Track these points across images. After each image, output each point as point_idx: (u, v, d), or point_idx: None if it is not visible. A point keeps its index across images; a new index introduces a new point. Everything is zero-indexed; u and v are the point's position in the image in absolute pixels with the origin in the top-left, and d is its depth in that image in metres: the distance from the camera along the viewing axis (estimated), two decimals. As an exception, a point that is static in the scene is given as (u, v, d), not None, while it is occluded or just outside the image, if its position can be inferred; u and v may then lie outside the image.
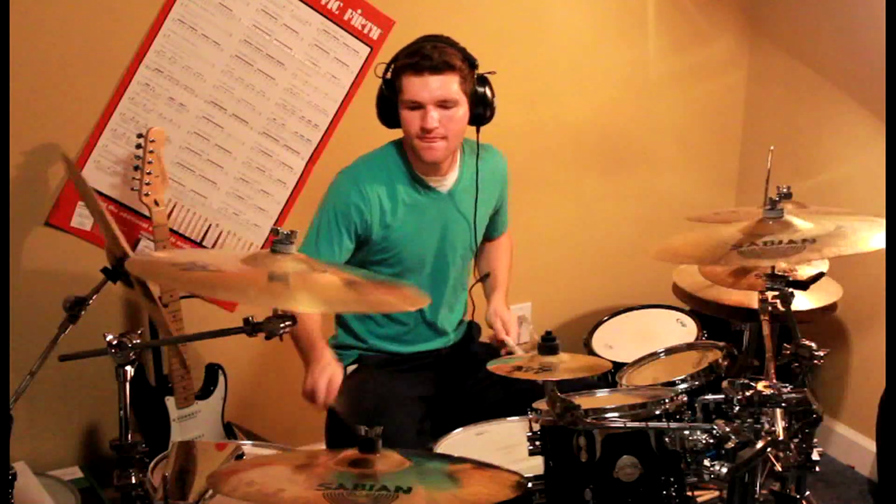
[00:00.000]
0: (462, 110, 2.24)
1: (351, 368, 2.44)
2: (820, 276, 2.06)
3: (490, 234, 2.60)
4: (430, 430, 2.27)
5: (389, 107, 2.27)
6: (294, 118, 2.82)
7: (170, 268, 1.61)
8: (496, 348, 2.51)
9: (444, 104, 2.21)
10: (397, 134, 2.34)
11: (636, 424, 1.69)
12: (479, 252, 2.61)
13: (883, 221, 1.88)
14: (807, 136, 3.28)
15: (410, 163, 2.33)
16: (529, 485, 1.69)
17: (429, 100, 2.19)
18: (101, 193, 2.59)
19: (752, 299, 2.48)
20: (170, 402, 2.58)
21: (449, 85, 2.20)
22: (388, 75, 2.27)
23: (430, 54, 2.18)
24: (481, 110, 2.30)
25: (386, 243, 2.33)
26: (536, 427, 1.78)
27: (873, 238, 1.81)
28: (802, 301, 2.54)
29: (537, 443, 1.77)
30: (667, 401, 1.77)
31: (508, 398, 2.24)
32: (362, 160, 2.36)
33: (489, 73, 2.29)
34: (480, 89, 2.28)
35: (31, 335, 2.42)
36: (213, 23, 2.65)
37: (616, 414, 1.72)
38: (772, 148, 2.02)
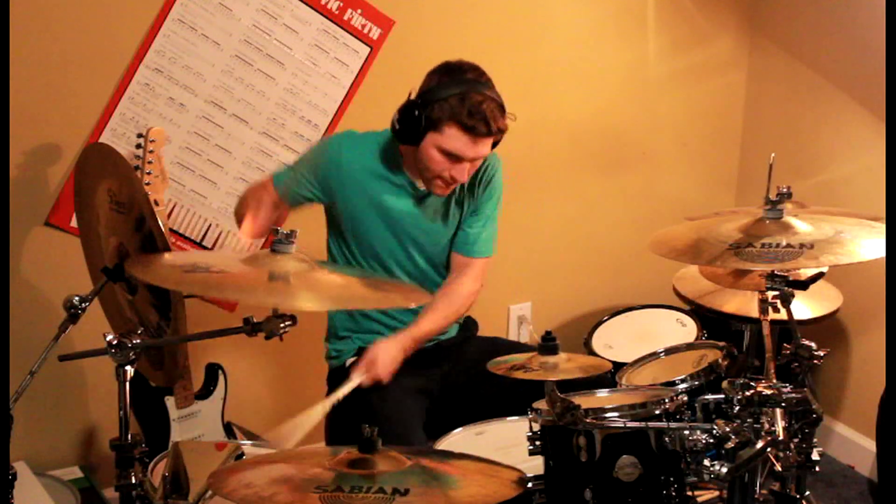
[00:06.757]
0: None
1: (351, 361, 2.44)
2: (820, 275, 2.06)
3: (460, 248, 2.44)
4: (430, 429, 2.27)
5: (416, 128, 2.20)
6: (294, 118, 2.82)
7: (171, 269, 1.61)
8: (494, 344, 2.50)
9: (476, 159, 2.24)
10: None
11: (636, 424, 1.69)
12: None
13: (882, 227, 1.88)
14: (807, 136, 3.28)
15: (400, 155, 2.33)
16: (529, 484, 1.69)
17: (471, 158, 2.21)
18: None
19: (751, 308, 2.48)
20: (170, 402, 2.58)
21: (489, 144, 2.23)
22: (429, 106, 2.18)
23: (489, 121, 2.16)
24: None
25: (359, 226, 2.34)
26: (536, 427, 1.78)
27: (872, 247, 1.83)
28: (804, 310, 2.54)
29: (537, 443, 1.77)
30: (667, 401, 1.77)
31: (509, 394, 2.24)
32: (363, 135, 2.36)
33: (510, 116, 2.25)
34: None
35: (31, 335, 2.42)
36: (213, 23, 2.65)
37: (616, 414, 1.72)
38: (773, 155, 2.03)
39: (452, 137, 2.17)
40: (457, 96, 2.16)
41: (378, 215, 2.34)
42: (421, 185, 2.34)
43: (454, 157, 2.20)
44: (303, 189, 2.33)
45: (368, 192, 2.32)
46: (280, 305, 1.60)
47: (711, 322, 2.96)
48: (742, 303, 2.54)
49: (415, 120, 2.19)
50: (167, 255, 1.74)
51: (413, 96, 2.23)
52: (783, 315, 1.99)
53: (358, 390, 2.32)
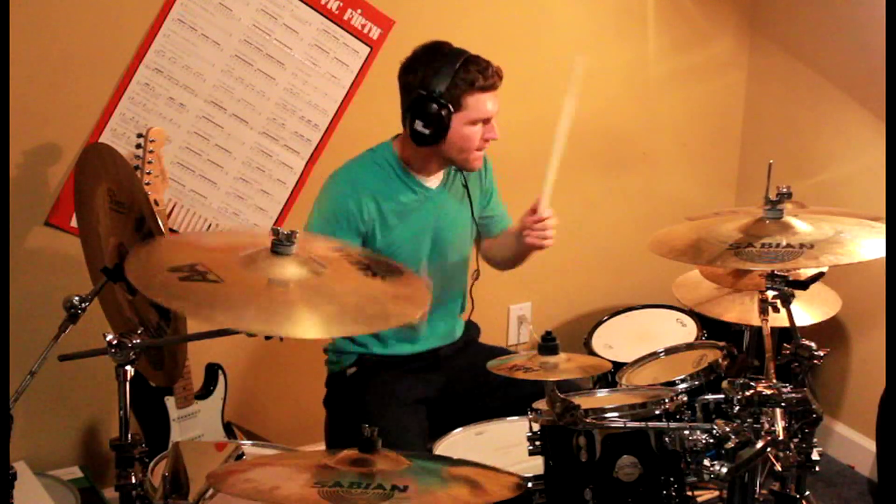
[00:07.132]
0: None
1: (351, 371, 2.44)
2: (820, 275, 2.06)
3: (494, 231, 2.58)
4: (430, 431, 2.27)
5: (445, 119, 2.21)
6: (294, 118, 2.82)
7: (167, 275, 1.57)
8: (496, 349, 2.50)
9: (497, 112, 2.30)
10: (389, 133, 2.34)
11: (636, 424, 1.70)
12: (494, 246, 2.59)
13: (882, 227, 1.88)
14: (807, 136, 3.28)
15: (403, 162, 2.33)
16: (529, 484, 1.69)
17: (496, 112, 2.28)
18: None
19: (751, 317, 2.48)
20: (170, 402, 2.58)
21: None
22: (442, 94, 2.19)
23: (497, 72, 2.24)
24: None
25: (383, 244, 2.32)
26: (536, 427, 1.78)
27: (872, 247, 1.83)
28: (804, 317, 2.53)
29: (537, 443, 1.77)
30: (667, 401, 1.77)
31: (508, 402, 2.24)
32: (356, 161, 2.35)
33: None
34: None
35: (31, 335, 2.42)
36: (213, 23, 2.65)
37: (616, 414, 1.72)
38: (771, 162, 2.03)
39: (478, 103, 2.22)
40: (460, 68, 2.19)
41: (413, 223, 2.34)
42: (423, 180, 2.34)
43: (484, 122, 2.25)
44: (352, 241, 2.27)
45: (398, 204, 2.32)
46: (273, 333, 1.55)
47: (711, 322, 2.95)
48: (742, 312, 2.53)
49: (439, 113, 2.19)
50: (168, 240, 1.72)
51: (405, 102, 2.24)
52: (783, 319, 2.00)
53: (356, 398, 2.32)
